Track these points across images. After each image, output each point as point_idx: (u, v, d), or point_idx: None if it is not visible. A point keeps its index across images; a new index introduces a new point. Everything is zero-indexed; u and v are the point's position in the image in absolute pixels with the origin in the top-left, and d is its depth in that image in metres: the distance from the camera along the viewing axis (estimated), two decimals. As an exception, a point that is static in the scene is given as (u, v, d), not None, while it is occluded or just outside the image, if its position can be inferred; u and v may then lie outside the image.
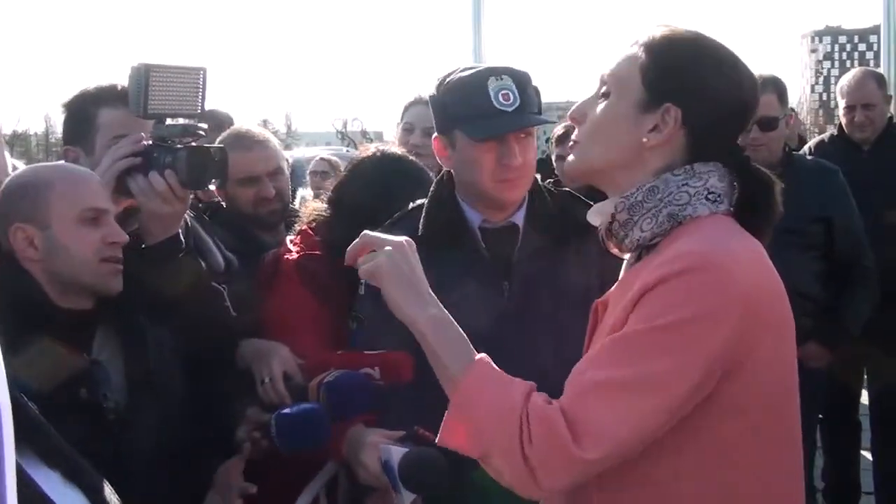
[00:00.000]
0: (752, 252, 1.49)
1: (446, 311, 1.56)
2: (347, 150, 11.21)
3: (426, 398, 2.15)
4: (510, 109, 2.16)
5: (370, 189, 2.61)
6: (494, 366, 1.49)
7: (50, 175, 2.04)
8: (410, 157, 2.73)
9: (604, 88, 1.58)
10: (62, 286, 1.98)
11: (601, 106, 1.57)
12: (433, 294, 1.58)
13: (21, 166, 2.62)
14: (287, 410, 2.08)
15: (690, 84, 1.51)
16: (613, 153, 1.56)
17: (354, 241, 1.65)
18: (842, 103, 4.52)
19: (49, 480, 1.38)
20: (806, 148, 4.90)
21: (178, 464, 2.01)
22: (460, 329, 1.55)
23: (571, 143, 1.66)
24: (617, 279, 1.65)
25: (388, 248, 1.58)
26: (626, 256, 1.62)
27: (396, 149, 2.78)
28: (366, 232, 1.66)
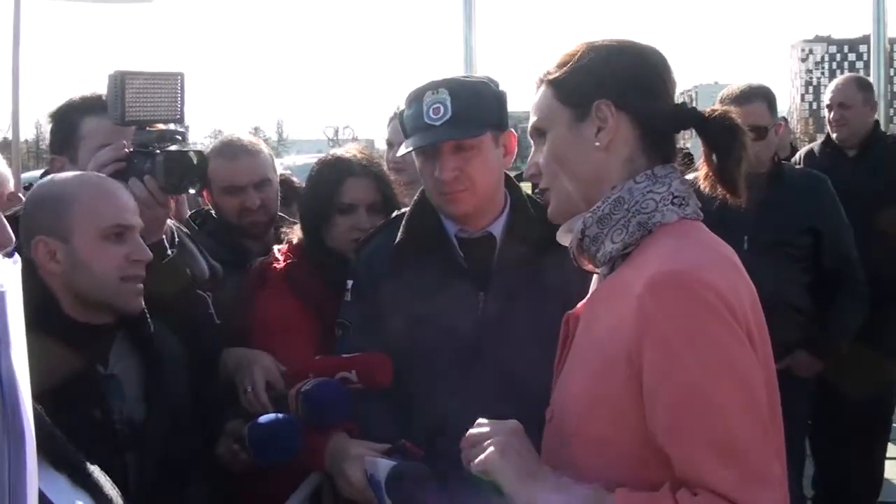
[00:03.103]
0: (724, 258, 1.51)
1: (561, 479, 1.51)
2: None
3: (407, 407, 2.16)
4: (438, 123, 2.14)
5: (315, 193, 2.64)
6: (634, 494, 1.42)
7: (75, 187, 1.97)
8: (354, 157, 2.67)
9: (537, 134, 1.66)
10: (82, 302, 1.94)
11: (544, 147, 1.64)
12: (543, 468, 1.54)
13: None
14: (259, 421, 2.09)
15: (601, 77, 1.58)
16: (579, 174, 1.60)
17: (467, 436, 1.63)
18: (826, 102, 4.62)
19: (56, 485, 1.38)
20: (796, 156, 4.94)
21: (182, 472, 2.00)
22: (580, 487, 1.48)
23: (542, 191, 1.71)
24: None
25: (497, 438, 1.57)
26: (599, 271, 1.64)
27: (344, 150, 2.74)
28: (471, 432, 1.62)
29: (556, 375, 1.67)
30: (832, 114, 4.50)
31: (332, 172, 2.63)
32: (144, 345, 2.04)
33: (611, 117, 1.56)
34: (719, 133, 1.57)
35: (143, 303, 1.98)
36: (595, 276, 1.69)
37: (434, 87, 2.18)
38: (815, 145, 4.85)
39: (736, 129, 1.56)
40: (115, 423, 1.91)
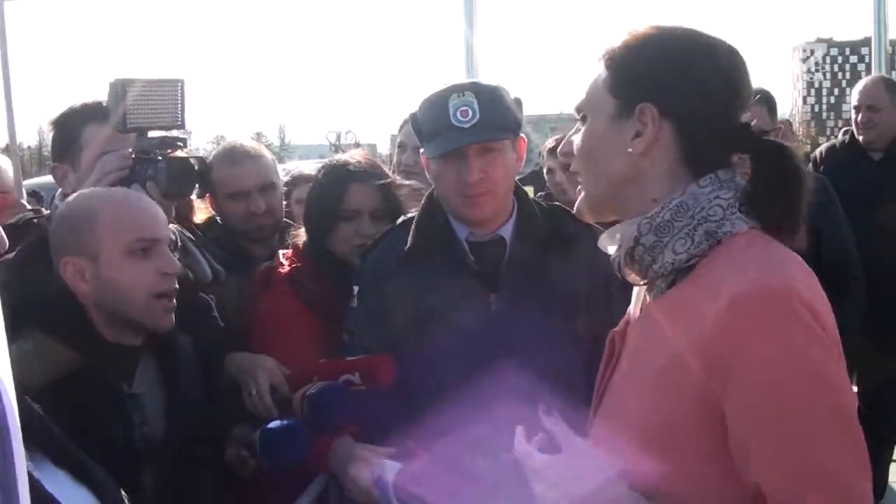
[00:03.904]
0: (807, 271, 1.40)
1: None
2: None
3: (417, 410, 2.17)
4: (467, 126, 2.16)
5: (319, 199, 2.64)
6: None
7: (98, 204, 1.95)
8: (358, 163, 2.65)
9: (580, 115, 1.53)
10: (113, 321, 1.93)
11: (581, 132, 1.51)
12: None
13: None
14: (271, 425, 2.10)
15: (656, 75, 1.43)
16: (610, 172, 1.46)
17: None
18: (853, 104, 4.53)
19: (56, 480, 1.39)
20: (817, 153, 4.90)
21: (198, 487, 2.01)
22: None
23: (572, 174, 1.58)
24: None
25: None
26: (647, 284, 1.48)
27: (349, 156, 2.73)
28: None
29: (596, 397, 1.55)
30: (860, 116, 4.40)
31: (336, 178, 2.63)
32: (168, 362, 2.04)
33: (651, 124, 1.41)
34: (776, 169, 1.41)
35: (173, 321, 1.97)
36: (638, 290, 1.53)
37: (459, 89, 2.20)
38: (837, 142, 4.79)
39: (796, 167, 1.42)
40: (136, 442, 1.91)
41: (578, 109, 1.53)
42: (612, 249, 1.50)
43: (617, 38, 1.49)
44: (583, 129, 1.51)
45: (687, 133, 1.42)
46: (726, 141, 1.44)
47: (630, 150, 1.43)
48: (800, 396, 1.26)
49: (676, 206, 1.39)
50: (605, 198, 1.50)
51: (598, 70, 1.49)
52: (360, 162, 2.66)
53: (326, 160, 2.87)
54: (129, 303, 1.91)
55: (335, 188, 2.61)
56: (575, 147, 1.52)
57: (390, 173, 2.77)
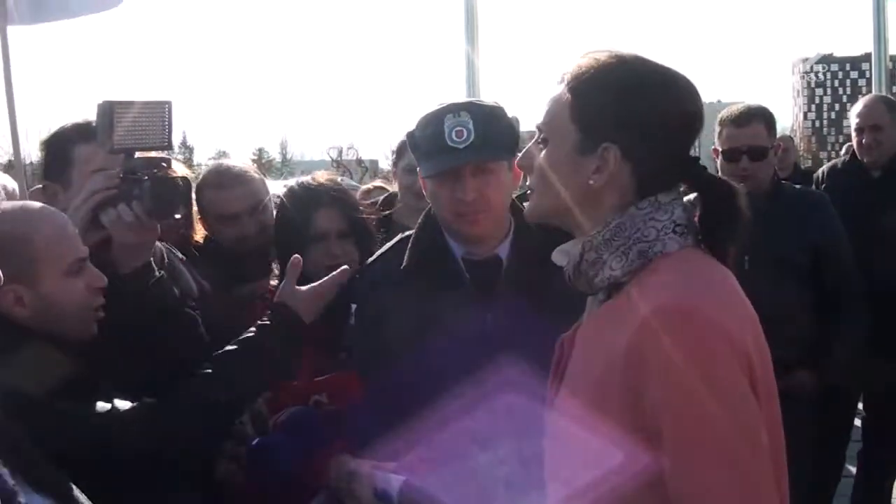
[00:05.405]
0: (728, 292, 1.48)
1: None
2: (342, 179, 11.33)
3: (415, 427, 2.18)
4: (462, 146, 2.17)
5: (287, 226, 2.67)
6: None
7: (28, 228, 1.93)
8: (322, 186, 2.70)
9: (541, 136, 1.59)
10: (52, 336, 1.92)
11: (542, 154, 1.57)
12: None
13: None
14: (256, 442, 2.15)
15: (622, 119, 1.50)
16: (564, 198, 1.55)
17: None
18: (854, 126, 4.52)
19: None
20: (819, 172, 4.94)
21: None
22: None
23: (528, 191, 1.66)
24: None
25: None
26: (594, 295, 1.59)
27: (311, 178, 2.77)
28: None
29: (549, 398, 1.63)
30: (864, 138, 4.36)
31: (301, 203, 2.66)
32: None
33: (612, 164, 1.49)
34: (716, 200, 1.52)
35: (96, 330, 1.99)
36: (590, 299, 1.63)
37: (455, 109, 2.21)
38: (839, 161, 4.85)
39: (736, 208, 1.51)
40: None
41: (540, 129, 1.59)
42: (563, 262, 1.61)
43: (580, 62, 1.55)
44: (545, 150, 1.57)
45: (643, 170, 1.51)
46: (675, 172, 1.54)
47: (591, 182, 1.51)
48: (704, 417, 1.33)
49: (616, 227, 1.50)
50: (555, 213, 1.59)
51: (560, 90, 1.56)
52: (324, 185, 2.69)
53: (289, 185, 2.87)
54: (69, 320, 1.93)
55: (302, 212, 2.64)
56: (535, 164, 1.59)
57: (390, 190, 2.78)
